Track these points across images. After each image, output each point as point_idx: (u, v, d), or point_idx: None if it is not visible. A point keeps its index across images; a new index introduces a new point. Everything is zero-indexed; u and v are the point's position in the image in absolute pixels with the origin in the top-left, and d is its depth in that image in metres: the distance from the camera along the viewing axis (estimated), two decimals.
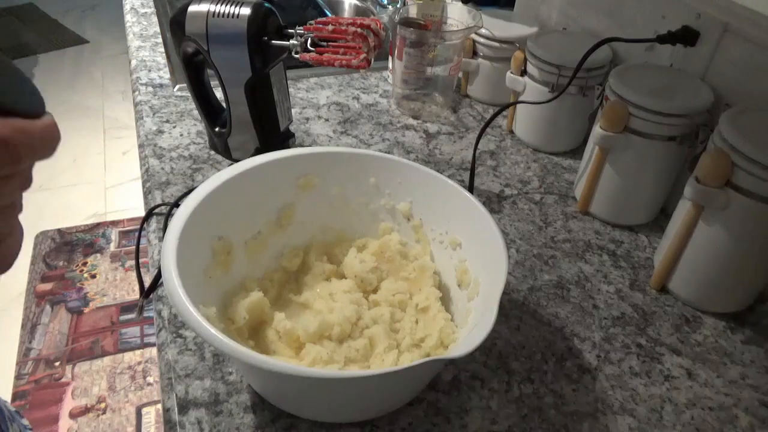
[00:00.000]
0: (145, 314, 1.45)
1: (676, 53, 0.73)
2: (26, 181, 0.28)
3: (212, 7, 0.67)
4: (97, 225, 2.09)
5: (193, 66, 0.73)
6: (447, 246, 0.59)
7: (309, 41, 0.67)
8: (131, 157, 2.42)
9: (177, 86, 0.94)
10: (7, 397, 1.54)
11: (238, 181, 0.55)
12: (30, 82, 0.28)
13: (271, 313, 0.54)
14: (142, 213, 0.74)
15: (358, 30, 0.65)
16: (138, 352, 1.67)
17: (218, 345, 0.40)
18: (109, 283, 1.87)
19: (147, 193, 0.73)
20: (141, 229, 0.68)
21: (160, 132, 0.83)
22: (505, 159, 0.86)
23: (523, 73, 0.84)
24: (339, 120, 0.91)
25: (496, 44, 0.91)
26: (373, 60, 0.67)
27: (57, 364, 1.62)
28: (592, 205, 0.75)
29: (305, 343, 0.51)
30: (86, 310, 1.78)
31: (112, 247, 2.00)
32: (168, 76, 0.97)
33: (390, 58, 0.97)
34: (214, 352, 0.55)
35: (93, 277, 1.89)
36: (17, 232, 0.30)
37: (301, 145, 0.83)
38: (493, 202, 0.77)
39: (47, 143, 0.27)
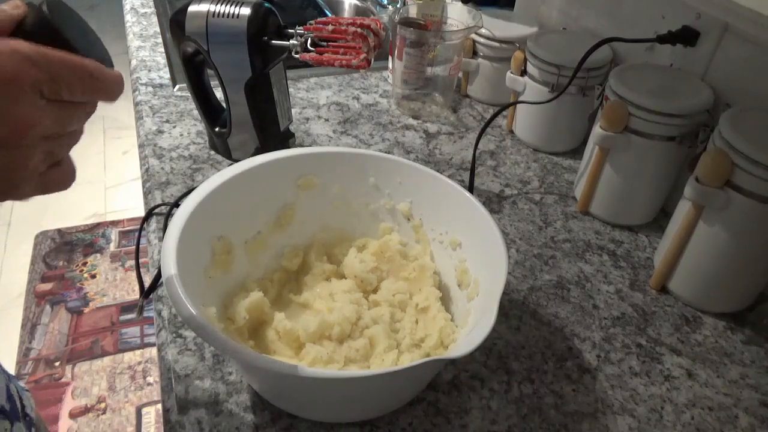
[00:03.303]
0: (145, 314, 1.45)
1: (676, 53, 0.73)
2: (89, 114, 0.35)
3: (212, 7, 0.67)
4: (97, 225, 2.09)
5: (193, 66, 0.73)
6: (447, 246, 0.59)
7: (309, 41, 0.67)
8: (131, 157, 2.42)
9: (177, 86, 0.94)
10: None
11: (238, 181, 0.55)
12: (100, 41, 0.38)
13: (271, 313, 0.54)
14: (142, 213, 0.74)
15: (358, 30, 0.65)
16: (138, 352, 1.67)
17: (218, 345, 0.40)
18: (109, 283, 1.87)
19: (147, 193, 0.73)
20: (141, 229, 0.68)
21: (160, 132, 0.83)
22: (505, 159, 0.86)
23: (523, 73, 0.84)
24: (339, 120, 0.91)
25: (496, 44, 0.91)
26: (373, 60, 0.67)
27: (57, 364, 1.62)
28: (592, 205, 0.75)
29: (305, 343, 0.51)
30: (86, 310, 1.78)
31: (112, 247, 2.00)
32: (168, 76, 0.97)
33: (390, 58, 0.97)
34: (214, 352, 0.55)
35: (93, 277, 1.89)
36: (70, 159, 0.37)
37: (301, 145, 0.83)
38: (493, 202, 0.77)
39: (116, 87, 0.35)
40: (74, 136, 0.35)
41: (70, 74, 0.32)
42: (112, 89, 0.34)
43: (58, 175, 0.35)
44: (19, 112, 0.30)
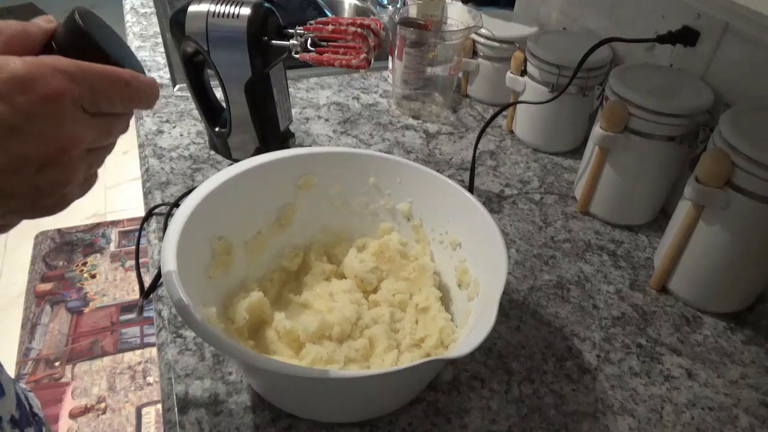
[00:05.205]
0: (145, 314, 1.45)
1: (676, 53, 0.73)
2: (126, 126, 0.35)
3: (212, 7, 0.67)
4: (97, 225, 2.09)
5: (193, 66, 0.73)
6: (447, 246, 0.59)
7: (309, 41, 0.67)
8: (131, 157, 2.41)
9: (177, 86, 0.94)
10: None
11: (238, 181, 0.55)
12: (131, 51, 0.37)
13: (271, 313, 0.54)
14: (142, 213, 0.74)
15: (358, 30, 0.65)
16: (138, 352, 1.67)
17: (218, 345, 0.40)
18: (109, 283, 1.87)
19: (147, 193, 0.73)
20: (141, 229, 0.68)
21: (160, 132, 0.83)
22: (505, 159, 0.86)
23: (523, 73, 0.84)
24: (339, 120, 0.91)
25: (496, 44, 0.91)
26: (373, 60, 0.67)
27: (57, 364, 1.62)
28: (592, 205, 0.75)
29: (305, 343, 0.51)
30: (86, 310, 1.78)
31: (112, 247, 2.00)
32: (168, 76, 0.97)
33: (390, 58, 0.97)
34: (214, 352, 0.55)
35: (93, 277, 1.89)
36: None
37: (301, 145, 0.83)
38: (493, 202, 0.77)
39: (152, 94, 0.35)
40: (112, 146, 0.36)
41: (108, 86, 0.32)
42: (148, 96, 0.34)
43: (90, 180, 0.36)
44: (65, 129, 0.30)
